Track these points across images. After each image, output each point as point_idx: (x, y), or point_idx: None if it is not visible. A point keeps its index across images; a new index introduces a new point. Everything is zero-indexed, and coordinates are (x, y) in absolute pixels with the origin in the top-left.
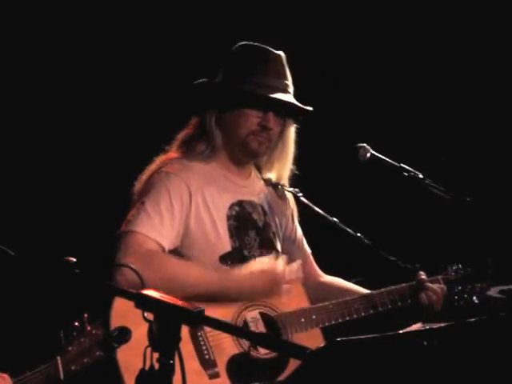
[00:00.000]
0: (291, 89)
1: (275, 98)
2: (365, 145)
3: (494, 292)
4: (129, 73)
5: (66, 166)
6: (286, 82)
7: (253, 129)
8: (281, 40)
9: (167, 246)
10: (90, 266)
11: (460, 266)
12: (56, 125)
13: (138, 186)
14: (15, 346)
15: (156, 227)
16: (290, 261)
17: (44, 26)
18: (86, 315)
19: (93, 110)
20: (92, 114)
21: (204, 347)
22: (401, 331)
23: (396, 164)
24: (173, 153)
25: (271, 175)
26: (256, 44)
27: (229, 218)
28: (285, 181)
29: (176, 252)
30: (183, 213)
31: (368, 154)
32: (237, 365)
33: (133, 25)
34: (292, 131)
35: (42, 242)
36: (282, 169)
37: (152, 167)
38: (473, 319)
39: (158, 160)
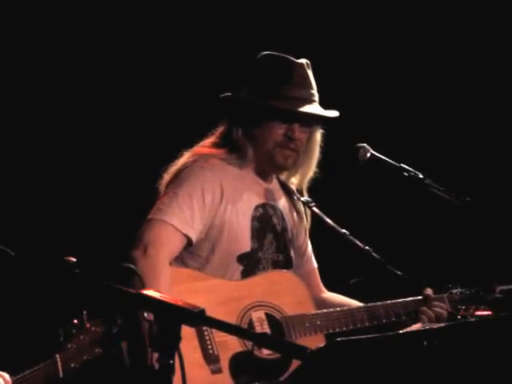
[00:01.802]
0: (316, 96)
1: (300, 112)
2: (365, 145)
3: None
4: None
5: (66, 167)
6: (311, 91)
7: (279, 140)
8: (280, 40)
9: (195, 238)
10: (90, 266)
11: (467, 284)
12: (56, 125)
13: (167, 177)
14: (14, 345)
15: (186, 220)
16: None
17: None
18: (85, 312)
19: (90, 112)
20: (90, 115)
21: (209, 342)
22: (401, 331)
23: (396, 164)
24: (207, 149)
25: (294, 179)
26: (279, 54)
27: (253, 218)
28: (305, 185)
29: (197, 245)
30: (213, 208)
31: (368, 154)
32: (240, 362)
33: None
34: (317, 136)
35: (42, 241)
36: (306, 172)
37: (184, 160)
38: (473, 319)
39: (191, 153)
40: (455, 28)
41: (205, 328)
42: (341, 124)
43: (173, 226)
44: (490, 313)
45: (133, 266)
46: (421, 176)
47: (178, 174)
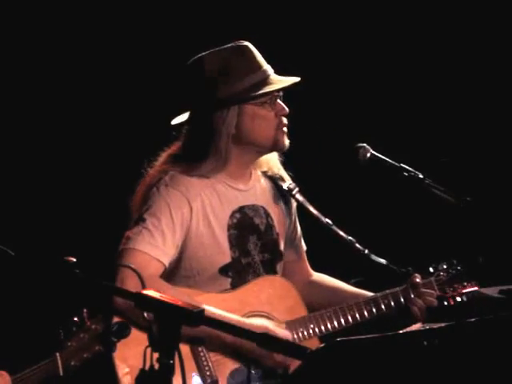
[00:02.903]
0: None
1: (283, 87)
2: (365, 145)
3: (493, 292)
4: (128, 75)
5: (66, 167)
6: (267, 64)
7: (275, 124)
8: (281, 39)
9: (168, 263)
10: (89, 266)
11: (452, 262)
12: (57, 126)
13: (136, 197)
14: (14, 344)
15: (158, 245)
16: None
17: (45, 26)
18: (85, 310)
19: (95, 111)
20: (94, 115)
21: (205, 363)
22: (401, 331)
23: (396, 164)
24: (169, 165)
25: (264, 165)
26: (221, 48)
27: (229, 227)
28: (277, 168)
29: (174, 264)
30: (184, 228)
31: (368, 154)
32: (237, 379)
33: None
34: None
35: (41, 241)
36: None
37: (148, 179)
38: (473, 319)
39: (154, 172)
40: (455, 28)
41: (200, 348)
42: (341, 124)
43: (145, 253)
44: (476, 288)
45: (131, 265)
46: (421, 176)
47: (144, 196)
